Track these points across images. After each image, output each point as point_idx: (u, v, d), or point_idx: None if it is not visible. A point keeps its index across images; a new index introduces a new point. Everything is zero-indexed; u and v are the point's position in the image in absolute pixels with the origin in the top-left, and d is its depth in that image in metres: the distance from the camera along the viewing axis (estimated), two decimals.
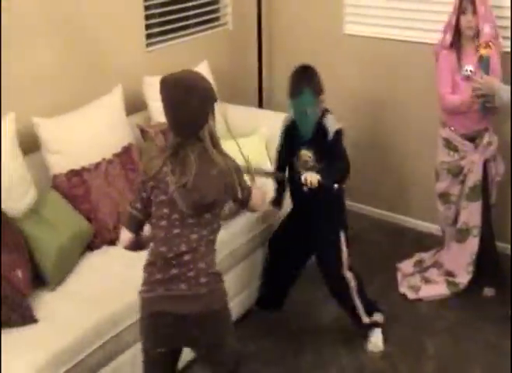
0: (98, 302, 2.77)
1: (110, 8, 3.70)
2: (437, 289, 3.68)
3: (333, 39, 4.37)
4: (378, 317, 3.32)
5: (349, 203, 4.31)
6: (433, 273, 3.76)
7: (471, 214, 3.57)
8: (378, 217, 4.51)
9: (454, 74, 3.45)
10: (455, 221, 3.64)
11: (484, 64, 3.32)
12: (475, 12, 3.36)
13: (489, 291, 3.68)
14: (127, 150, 3.34)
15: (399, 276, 3.83)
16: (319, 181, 3.01)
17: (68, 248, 2.96)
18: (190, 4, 4.32)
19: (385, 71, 4.24)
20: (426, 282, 3.73)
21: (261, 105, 4.57)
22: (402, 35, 4.12)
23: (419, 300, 3.67)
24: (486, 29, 3.36)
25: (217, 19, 4.58)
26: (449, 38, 3.46)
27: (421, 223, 4.34)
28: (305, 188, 3.07)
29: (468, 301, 3.64)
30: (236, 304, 3.36)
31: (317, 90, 3.12)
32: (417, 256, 3.96)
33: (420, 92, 4.08)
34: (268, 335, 3.43)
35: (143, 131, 3.60)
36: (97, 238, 3.15)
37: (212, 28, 4.52)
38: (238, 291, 3.40)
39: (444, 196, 3.66)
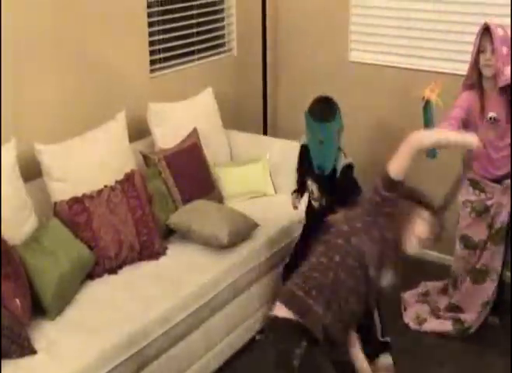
0: (99, 333, 2.70)
1: (114, 34, 3.69)
2: (442, 326, 3.58)
3: (338, 66, 4.35)
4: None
5: None
6: (441, 308, 3.65)
7: (493, 257, 3.46)
8: None
9: (475, 117, 3.32)
10: (474, 265, 3.52)
11: (428, 109, 3.22)
12: (494, 51, 3.23)
13: (492, 319, 3.60)
14: (129, 177, 3.30)
15: (403, 306, 3.74)
16: None
17: (69, 276, 2.90)
18: (195, 30, 4.31)
19: (390, 98, 4.21)
20: (434, 315, 3.64)
21: (265, 132, 4.54)
22: (407, 63, 4.11)
23: (422, 332, 3.60)
24: (507, 71, 3.22)
25: (222, 45, 4.57)
26: (470, 76, 3.34)
27: (424, 251, 4.26)
28: None
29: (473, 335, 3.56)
30: (238, 334, 3.33)
31: (340, 127, 3.13)
32: (422, 287, 3.87)
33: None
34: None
35: (146, 158, 3.56)
36: (98, 267, 3.09)
37: (216, 54, 4.51)
38: (239, 321, 3.35)
39: (466, 239, 3.51)
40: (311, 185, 3.21)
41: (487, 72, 3.28)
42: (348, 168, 3.10)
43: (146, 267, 3.18)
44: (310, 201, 3.30)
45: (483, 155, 3.34)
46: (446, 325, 3.57)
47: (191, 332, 3.04)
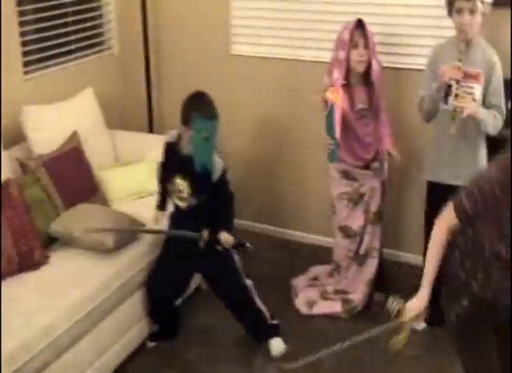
0: None
1: None
2: (331, 306, 3.65)
3: (221, 60, 4.32)
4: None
5: (243, 222, 4.35)
6: (329, 291, 3.74)
7: (374, 237, 3.60)
8: (271, 234, 4.49)
9: (346, 113, 3.34)
10: (357, 251, 3.63)
11: (332, 113, 3.24)
12: (366, 46, 3.32)
13: (378, 296, 3.69)
14: (5, 186, 3.15)
15: (294, 292, 3.79)
16: (234, 240, 3.12)
17: None
18: (71, 28, 4.16)
19: (273, 89, 4.22)
20: (323, 298, 3.71)
21: (151, 130, 4.46)
22: (289, 54, 4.12)
23: (313, 316, 3.66)
24: (375, 65, 3.35)
25: (101, 43, 4.44)
26: (340, 77, 3.34)
27: (313, 236, 4.36)
28: (201, 244, 3.12)
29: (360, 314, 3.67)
30: (128, 339, 3.26)
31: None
32: (312, 272, 3.94)
33: (310, 110, 4.06)
34: (166, 367, 3.31)
35: (23, 165, 3.41)
36: None
37: (96, 53, 4.37)
38: (129, 326, 3.28)
39: (346, 230, 3.61)
40: (180, 183, 3.15)
41: (360, 68, 3.36)
42: (225, 172, 3.14)
43: (27, 279, 3.05)
44: (173, 200, 3.25)
45: (353, 142, 3.45)
46: (335, 307, 3.65)
47: (78, 340, 2.94)
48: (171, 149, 3.20)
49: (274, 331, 3.37)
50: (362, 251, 3.62)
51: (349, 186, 3.55)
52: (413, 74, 3.70)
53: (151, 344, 3.43)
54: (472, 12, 3.04)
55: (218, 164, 3.12)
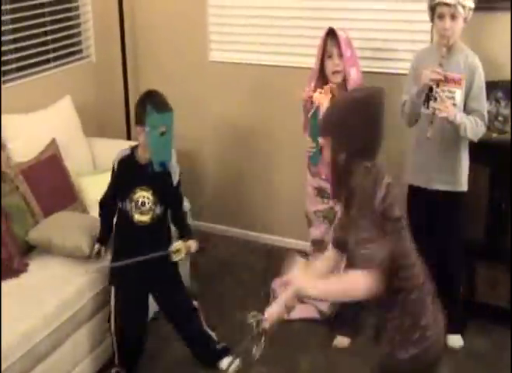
0: None
1: None
2: (308, 312, 3.63)
3: (199, 67, 4.36)
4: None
5: (214, 226, 4.46)
6: None
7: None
8: (246, 238, 4.50)
9: None
10: None
11: (317, 115, 3.22)
12: (340, 55, 3.26)
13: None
14: None
15: (272, 295, 3.74)
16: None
17: None
18: (49, 37, 4.18)
19: (249, 95, 4.26)
20: (301, 302, 3.68)
21: (129, 137, 4.47)
22: (265, 60, 4.16)
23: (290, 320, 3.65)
24: (353, 74, 3.28)
25: (79, 51, 4.47)
26: (310, 88, 3.32)
27: (290, 240, 4.38)
28: (177, 257, 3.03)
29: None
30: (92, 360, 3.22)
31: None
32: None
33: (287, 116, 4.11)
34: None
35: (1, 173, 3.41)
36: None
37: (74, 61, 4.40)
38: (105, 335, 3.27)
39: (319, 244, 3.57)
40: (141, 195, 3.03)
41: (337, 79, 3.29)
42: (181, 173, 3.09)
43: (5, 286, 3.04)
44: (130, 220, 3.06)
45: None
46: (312, 312, 3.63)
47: (56, 348, 2.95)
48: (125, 165, 3.08)
49: (223, 353, 3.27)
50: None
51: (324, 204, 3.51)
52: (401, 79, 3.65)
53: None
54: (453, 17, 3.05)
55: (176, 167, 3.08)
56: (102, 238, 3.23)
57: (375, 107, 2.10)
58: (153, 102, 2.95)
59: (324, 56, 3.31)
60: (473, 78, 3.13)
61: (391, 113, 3.59)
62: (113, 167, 3.12)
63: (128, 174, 3.07)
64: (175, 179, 3.08)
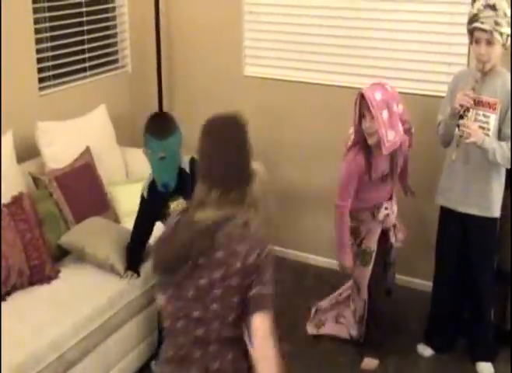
0: None
1: None
2: (340, 331, 3.60)
3: (233, 81, 4.36)
4: None
5: None
6: (346, 315, 3.62)
7: (362, 274, 3.42)
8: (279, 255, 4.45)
9: (362, 175, 3.22)
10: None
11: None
12: (372, 117, 3.10)
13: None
14: (17, 199, 3.18)
15: (313, 313, 3.70)
16: None
17: None
18: (86, 46, 4.23)
19: (283, 112, 4.25)
20: (336, 322, 3.64)
21: None
22: (301, 76, 4.16)
23: (321, 336, 3.62)
24: (391, 136, 3.12)
25: (115, 61, 4.51)
26: (356, 141, 3.24)
27: (321, 259, 4.34)
28: None
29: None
30: (132, 358, 3.25)
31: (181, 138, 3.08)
32: (335, 297, 3.77)
33: (321, 132, 4.10)
34: None
35: (36, 179, 3.46)
36: None
37: (110, 70, 4.44)
38: (133, 345, 3.27)
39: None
40: (177, 203, 3.09)
41: (372, 140, 3.18)
42: (192, 159, 3.05)
43: (37, 292, 3.08)
44: None
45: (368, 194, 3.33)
46: (342, 331, 3.58)
47: (85, 355, 2.95)
48: (152, 192, 3.13)
49: None
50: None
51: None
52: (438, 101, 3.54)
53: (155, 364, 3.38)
54: (490, 43, 3.02)
55: (183, 163, 3.09)
56: (133, 266, 3.26)
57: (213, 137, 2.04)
58: (154, 128, 3.02)
59: (360, 116, 3.21)
60: (509, 104, 3.09)
61: (428, 132, 3.68)
62: (147, 189, 3.15)
63: (155, 201, 3.12)
64: (186, 170, 3.07)
